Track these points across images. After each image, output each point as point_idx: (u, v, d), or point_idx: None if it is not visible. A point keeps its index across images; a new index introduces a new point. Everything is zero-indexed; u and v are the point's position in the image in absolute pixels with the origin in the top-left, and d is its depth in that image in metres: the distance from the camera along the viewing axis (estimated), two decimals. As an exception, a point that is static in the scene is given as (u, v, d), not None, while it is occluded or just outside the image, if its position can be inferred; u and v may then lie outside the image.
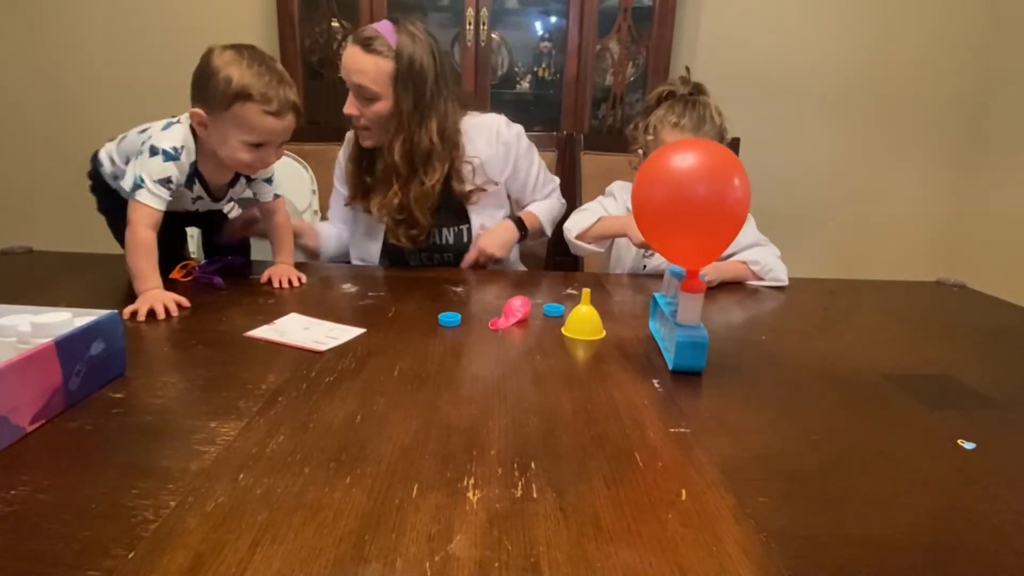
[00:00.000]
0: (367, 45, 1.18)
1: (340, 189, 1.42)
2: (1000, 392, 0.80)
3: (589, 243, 1.37)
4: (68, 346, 0.63)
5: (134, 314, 0.92)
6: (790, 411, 0.72)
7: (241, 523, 0.48)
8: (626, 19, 2.08)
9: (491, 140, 1.35)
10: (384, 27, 1.20)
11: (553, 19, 2.27)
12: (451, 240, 1.36)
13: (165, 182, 1.02)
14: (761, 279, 1.26)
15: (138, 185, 1.01)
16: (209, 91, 0.99)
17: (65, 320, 0.67)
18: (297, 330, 0.89)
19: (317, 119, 2.12)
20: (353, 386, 0.73)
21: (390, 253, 1.38)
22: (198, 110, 1.02)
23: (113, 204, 1.13)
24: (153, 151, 1.02)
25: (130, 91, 2.28)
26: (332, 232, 1.43)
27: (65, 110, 2.35)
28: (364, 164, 1.32)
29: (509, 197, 1.44)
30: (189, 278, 1.11)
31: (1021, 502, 0.56)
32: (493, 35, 2.12)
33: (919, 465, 0.61)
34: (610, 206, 1.41)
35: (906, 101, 2.33)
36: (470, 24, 2.04)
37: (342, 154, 1.41)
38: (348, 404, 0.68)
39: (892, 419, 0.71)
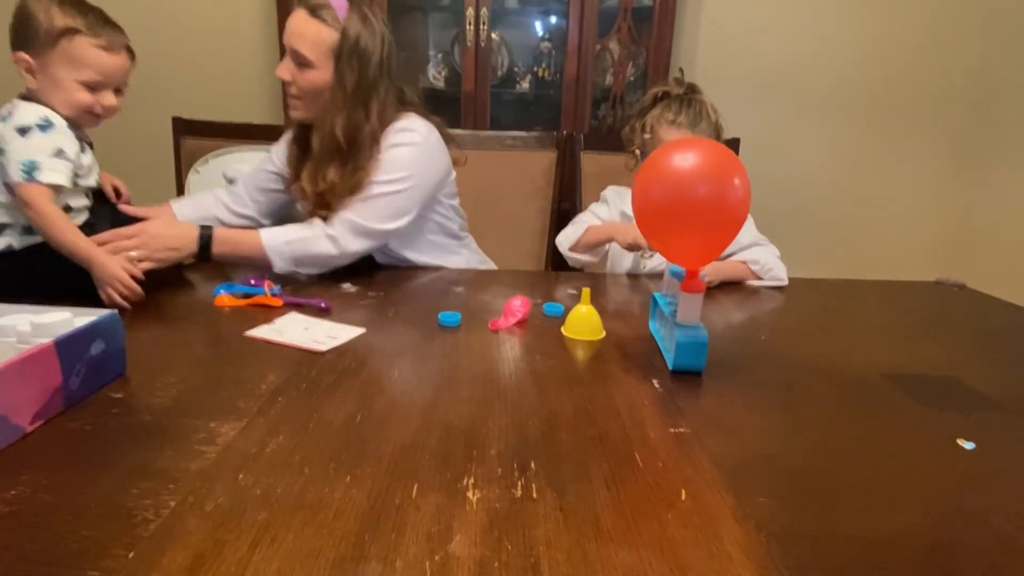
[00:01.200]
0: (313, 11, 1.14)
1: (275, 159, 1.33)
2: (1000, 392, 0.80)
3: (582, 254, 1.37)
4: (68, 346, 0.63)
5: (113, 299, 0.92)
6: (790, 411, 0.72)
7: (241, 523, 0.48)
8: (626, 19, 2.08)
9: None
10: (337, 0, 1.15)
11: (553, 19, 2.27)
12: None
13: (59, 153, 0.95)
14: (761, 279, 1.26)
15: (32, 168, 0.92)
16: (31, 32, 0.93)
17: (65, 320, 0.67)
18: (297, 330, 0.89)
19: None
20: (353, 386, 0.73)
21: None
22: (22, 55, 0.94)
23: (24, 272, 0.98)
24: (23, 131, 0.93)
25: (129, 89, 2.28)
26: (205, 203, 1.31)
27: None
28: (307, 148, 1.22)
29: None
30: (280, 304, 1.00)
31: (1021, 502, 0.56)
32: (493, 35, 2.11)
33: (919, 465, 0.61)
34: (602, 213, 1.41)
35: (906, 101, 2.33)
36: (470, 24, 2.04)
37: (288, 134, 1.32)
38: (348, 404, 0.68)
39: (892, 419, 0.71)
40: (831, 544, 0.49)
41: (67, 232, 0.94)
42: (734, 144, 1.75)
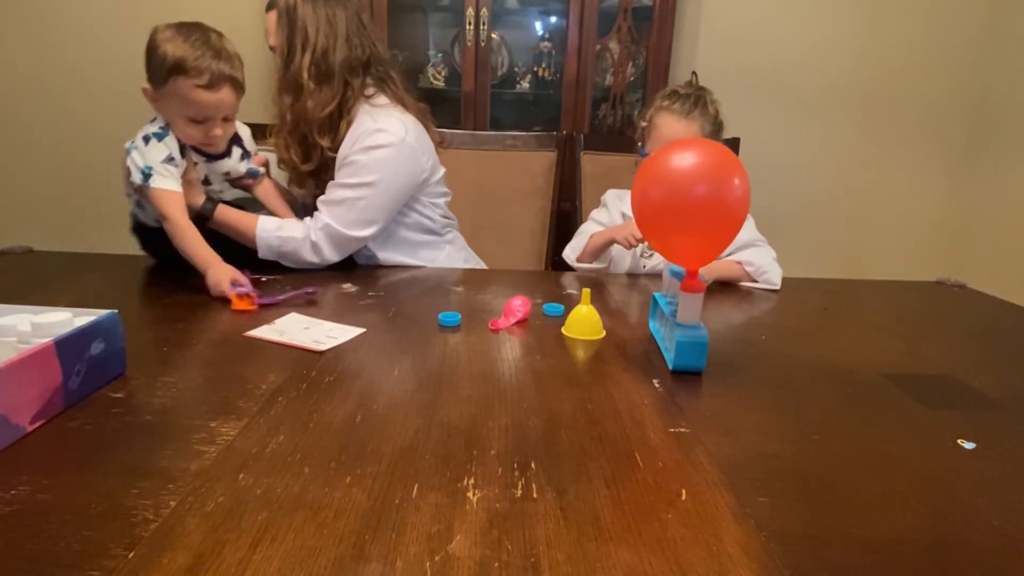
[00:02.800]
0: (269, 6, 1.21)
1: None
2: (1000, 392, 0.80)
3: (589, 262, 1.38)
4: (68, 346, 0.63)
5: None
6: (790, 411, 0.72)
7: (241, 523, 0.48)
8: (626, 19, 2.08)
9: (347, 143, 1.20)
10: None
11: (553, 19, 2.27)
12: None
13: (168, 160, 1.05)
14: (754, 281, 1.26)
15: (148, 174, 1.03)
16: (151, 67, 1.03)
17: (65, 320, 0.67)
18: (297, 330, 0.89)
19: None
20: (353, 386, 0.73)
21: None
22: (146, 86, 1.05)
23: (152, 239, 1.16)
24: (145, 139, 1.06)
25: (129, 90, 2.28)
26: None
27: (65, 109, 2.35)
28: None
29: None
30: (253, 307, 0.98)
31: (1021, 502, 0.56)
32: (493, 35, 2.12)
33: (919, 465, 0.61)
34: (603, 218, 1.43)
35: (906, 101, 2.33)
36: (470, 24, 2.04)
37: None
38: (348, 404, 0.68)
39: (892, 419, 0.71)
40: (831, 544, 0.49)
41: (194, 244, 1.04)
42: (734, 144, 1.75)
